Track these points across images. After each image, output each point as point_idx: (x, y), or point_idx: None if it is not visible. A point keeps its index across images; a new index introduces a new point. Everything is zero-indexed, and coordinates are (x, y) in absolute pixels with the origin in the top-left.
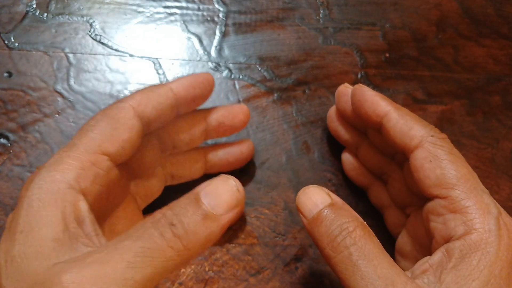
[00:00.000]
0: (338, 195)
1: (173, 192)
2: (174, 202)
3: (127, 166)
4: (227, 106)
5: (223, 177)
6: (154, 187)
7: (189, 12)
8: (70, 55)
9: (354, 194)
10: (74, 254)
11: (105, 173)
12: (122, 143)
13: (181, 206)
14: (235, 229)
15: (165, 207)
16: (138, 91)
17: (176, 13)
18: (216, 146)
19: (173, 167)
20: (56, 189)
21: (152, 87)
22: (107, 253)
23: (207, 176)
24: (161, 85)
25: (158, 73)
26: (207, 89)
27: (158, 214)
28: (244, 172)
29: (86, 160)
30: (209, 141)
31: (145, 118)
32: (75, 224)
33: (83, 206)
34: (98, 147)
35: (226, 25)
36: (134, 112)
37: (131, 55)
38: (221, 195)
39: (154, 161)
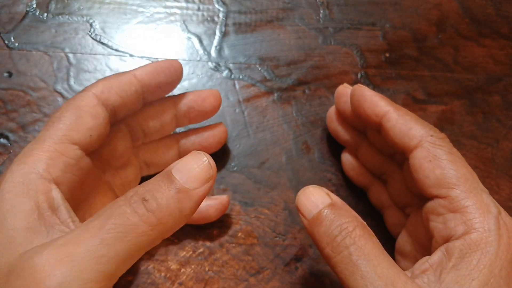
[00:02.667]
0: (338, 195)
1: None
2: (146, 181)
3: (100, 156)
4: (197, 91)
5: (194, 152)
6: (129, 176)
7: (189, 12)
8: (70, 55)
9: (354, 194)
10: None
11: (75, 161)
12: (89, 131)
13: (153, 183)
14: (235, 229)
15: (137, 186)
16: (101, 79)
17: (176, 13)
18: (189, 131)
19: (146, 155)
20: (27, 180)
21: (115, 75)
22: (78, 233)
23: None
24: (124, 72)
25: None
26: (174, 76)
27: (130, 192)
28: (243, 172)
29: (54, 150)
30: (182, 129)
31: (109, 105)
32: (50, 212)
33: (56, 194)
34: (65, 136)
35: (226, 25)
36: (97, 100)
37: (131, 55)
38: (193, 170)
39: (126, 149)
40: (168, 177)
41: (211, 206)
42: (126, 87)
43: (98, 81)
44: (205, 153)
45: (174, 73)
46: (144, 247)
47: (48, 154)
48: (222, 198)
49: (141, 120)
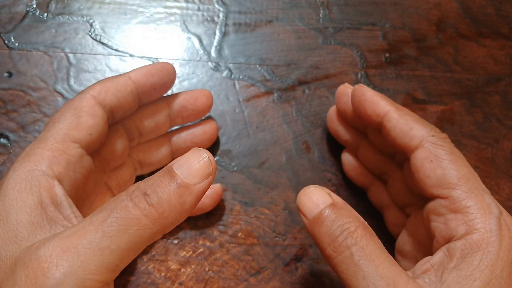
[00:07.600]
0: (338, 195)
1: None
2: (148, 177)
3: (100, 157)
4: (189, 91)
5: (195, 149)
6: (125, 176)
7: (189, 12)
8: (70, 55)
9: (354, 194)
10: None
11: (77, 159)
12: (89, 129)
13: (154, 179)
14: (235, 229)
15: (139, 182)
16: (98, 81)
17: (176, 13)
18: (180, 129)
19: (139, 155)
20: (30, 177)
21: (111, 77)
22: (82, 226)
23: None
24: (120, 74)
25: None
26: (167, 77)
27: (132, 187)
28: (243, 172)
29: (56, 149)
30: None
31: (107, 106)
32: (53, 208)
33: (59, 190)
34: (66, 135)
35: (226, 25)
36: (95, 101)
37: (131, 55)
38: (193, 166)
39: (123, 149)
40: (169, 173)
41: (205, 196)
42: (121, 88)
43: (95, 83)
44: (205, 149)
45: (167, 74)
46: (146, 240)
47: (50, 152)
48: (216, 187)
49: (137, 120)
